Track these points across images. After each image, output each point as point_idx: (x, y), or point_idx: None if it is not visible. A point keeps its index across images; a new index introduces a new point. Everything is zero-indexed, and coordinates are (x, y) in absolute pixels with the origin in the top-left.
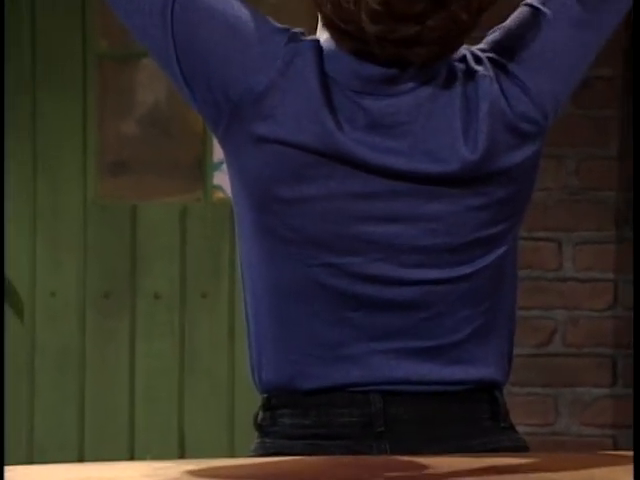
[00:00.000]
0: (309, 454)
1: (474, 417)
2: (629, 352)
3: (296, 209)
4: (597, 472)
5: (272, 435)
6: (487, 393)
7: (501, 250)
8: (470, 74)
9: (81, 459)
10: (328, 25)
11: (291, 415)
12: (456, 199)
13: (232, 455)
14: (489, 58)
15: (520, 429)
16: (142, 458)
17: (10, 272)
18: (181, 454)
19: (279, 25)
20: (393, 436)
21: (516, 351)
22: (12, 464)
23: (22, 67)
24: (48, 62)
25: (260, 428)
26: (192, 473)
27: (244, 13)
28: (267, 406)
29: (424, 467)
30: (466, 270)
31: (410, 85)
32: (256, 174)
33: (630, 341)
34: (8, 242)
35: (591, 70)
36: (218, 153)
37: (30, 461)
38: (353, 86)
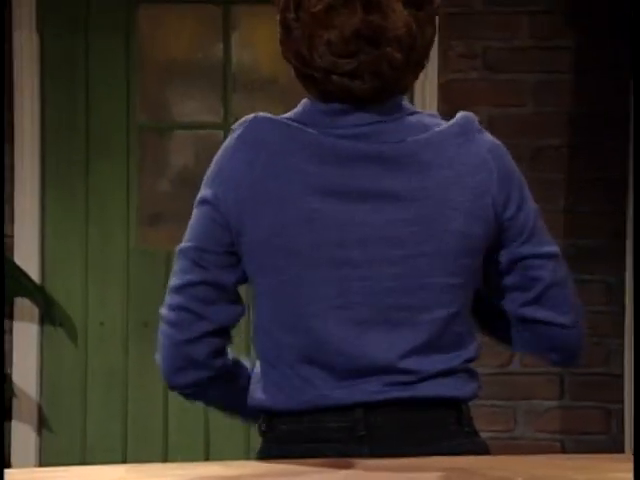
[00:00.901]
0: (302, 456)
1: (442, 423)
2: (574, 371)
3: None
4: (546, 470)
5: (272, 440)
6: (453, 404)
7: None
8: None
9: (124, 460)
10: (297, 74)
11: (287, 422)
12: None
13: (248, 456)
14: None
15: (485, 434)
16: (174, 459)
17: (66, 306)
18: (206, 456)
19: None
20: (372, 440)
21: (482, 370)
22: (68, 465)
23: (78, 135)
24: (98, 131)
25: (263, 434)
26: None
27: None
28: (267, 416)
29: (400, 468)
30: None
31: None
32: None
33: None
34: (65, 281)
35: (542, 140)
36: None
37: (83, 462)
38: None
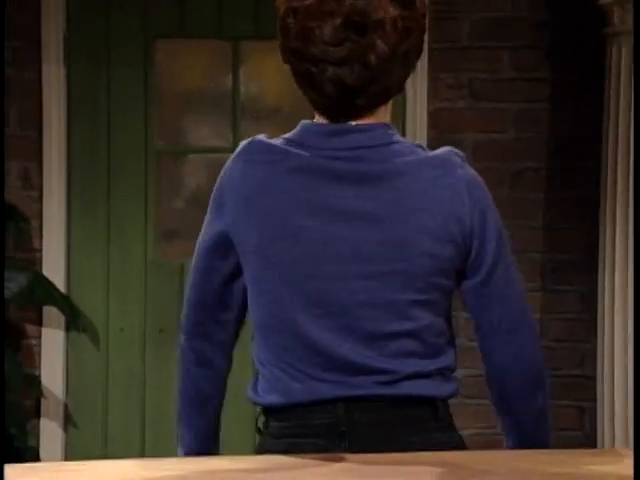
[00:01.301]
0: (288, 451)
1: (419, 420)
2: (552, 373)
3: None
4: (526, 464)
5: (266, 435)
6: (429, 402)
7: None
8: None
9: (142, 454)
10: (295, 73)
11: (278, 419)
12: None
13: (254, 451)
14: None
15: (471, 431)
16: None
17: (89, 313)
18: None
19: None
20: (353, 435)
21: (468, 372)
22: (91, 459)
23: (100, 158)
24: (119, 155)
25: (259, 430)
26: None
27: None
28: (261, 414)
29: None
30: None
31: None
32: None
33: (551, 364)
34: (88, 291)
35: (522, 163)
36: None
37: (104, 456)
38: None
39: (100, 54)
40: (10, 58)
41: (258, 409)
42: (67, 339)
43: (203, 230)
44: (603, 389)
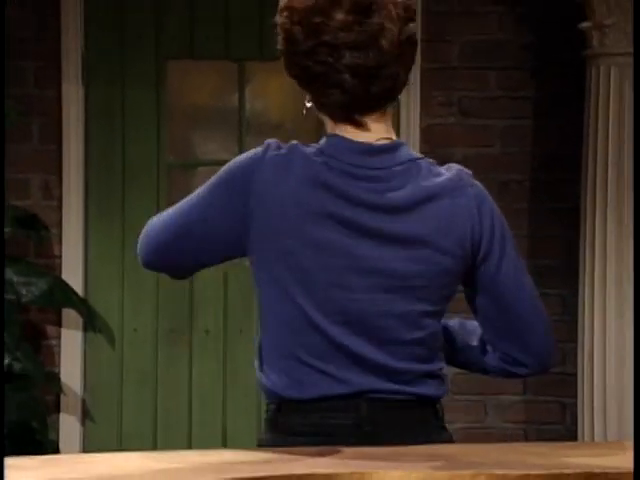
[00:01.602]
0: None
1: (424, 419)
2: None
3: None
4: (512, 456)
5: (279, 430)
6: (431, 402)
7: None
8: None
9: (154, 447)
10: (307, 82)
11: (295, 416)
12: None
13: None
14: None
15: (460, 425)
16: (196, 446)
17: (105, 315)
18: (224, 444)
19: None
20: (375, 434)
21: (457, 370)
22: (107, 451)
23: (115, 171)
24: (133, 168)
25: (269, 423)
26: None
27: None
28: (275, 407)
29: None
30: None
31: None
32: None
33: None
34: (105, 295)
35: (508, 175)
36: None
37: (119, 449)
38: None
39: (115, 74)
40: (32, 77)
41: (270, 403)
42: (85, 339)
43: (205, 200)
44: (583, 386)
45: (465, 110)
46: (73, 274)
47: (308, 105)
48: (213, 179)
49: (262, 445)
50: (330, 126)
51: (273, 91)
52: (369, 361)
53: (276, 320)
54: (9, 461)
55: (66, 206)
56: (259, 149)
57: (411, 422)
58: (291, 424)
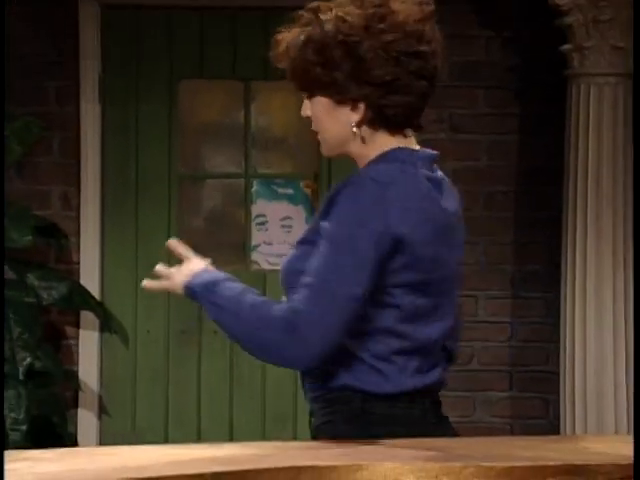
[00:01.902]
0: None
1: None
2: (520, 369)
3: None
4: (499, 449)
5: (367, 422)
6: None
7: None
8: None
9: (166, 441)
10: (386, 93)
11: (380, 407)
12: None
13: (264, 438)
14: None
15: (450, 419)
16: (205, 440)
17: (120, 317)
18: (230, 437)
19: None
20: (440, 424)
21: (449, 368)
22: (122, 445)
23: (129, 183)
24: (146, 180)
25: (357, 417)
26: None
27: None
28: (361, 403)
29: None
30: None
31: None
32: None
33: (520, 361)
34: (120, 298)
35: (494, 187)
36: (255, 239)
37: (134, 442)
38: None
39: (130, 92)
40: (53, 96)
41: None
42: (101, 340)
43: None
44: (565, 383)
45: (455, 126)
46: (90, 279)
47: (355, 130)
48: None
49: (356, 435)
50: (381, 142)
51: (277, 108)
52: (443, 353)
53: (376, 326)
54: (31, 453)
55: (84, 216)
56: None
57: (440, 415)
58: (375, 416)
